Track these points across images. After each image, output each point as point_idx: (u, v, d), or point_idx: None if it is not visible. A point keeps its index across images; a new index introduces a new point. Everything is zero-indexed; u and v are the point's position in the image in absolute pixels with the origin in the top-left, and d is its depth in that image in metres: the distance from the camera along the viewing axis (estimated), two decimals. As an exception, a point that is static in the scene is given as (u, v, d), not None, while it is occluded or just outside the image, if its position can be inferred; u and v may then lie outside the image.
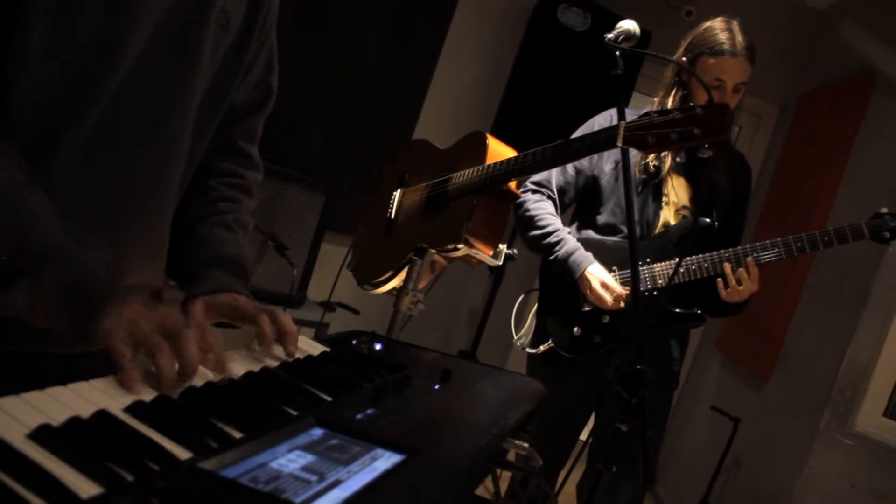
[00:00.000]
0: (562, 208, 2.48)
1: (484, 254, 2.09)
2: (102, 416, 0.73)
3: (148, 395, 0.81)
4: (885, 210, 2.18)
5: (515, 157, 2.05)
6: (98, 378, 0.82)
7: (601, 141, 1.87)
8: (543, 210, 2.42)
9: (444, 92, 4.15)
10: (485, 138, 2.17)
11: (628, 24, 1.91)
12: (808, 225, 3.61)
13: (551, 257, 2.38)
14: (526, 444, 1.00)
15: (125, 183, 1.10)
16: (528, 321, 2.56)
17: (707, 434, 4.19)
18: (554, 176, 2.46)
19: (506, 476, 3.02)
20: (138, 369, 0.85)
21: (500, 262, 2.13)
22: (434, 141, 2.50)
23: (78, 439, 0.67)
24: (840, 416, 3.23)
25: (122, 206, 1.11)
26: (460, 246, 2.05)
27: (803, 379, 3.51)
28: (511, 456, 1.03)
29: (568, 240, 2.38)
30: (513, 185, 2.18)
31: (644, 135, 1.77)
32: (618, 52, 1.89)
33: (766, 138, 4.73)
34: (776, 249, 2.23)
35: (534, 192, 2.46)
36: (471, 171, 2.11)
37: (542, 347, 2.43)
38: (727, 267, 2.23)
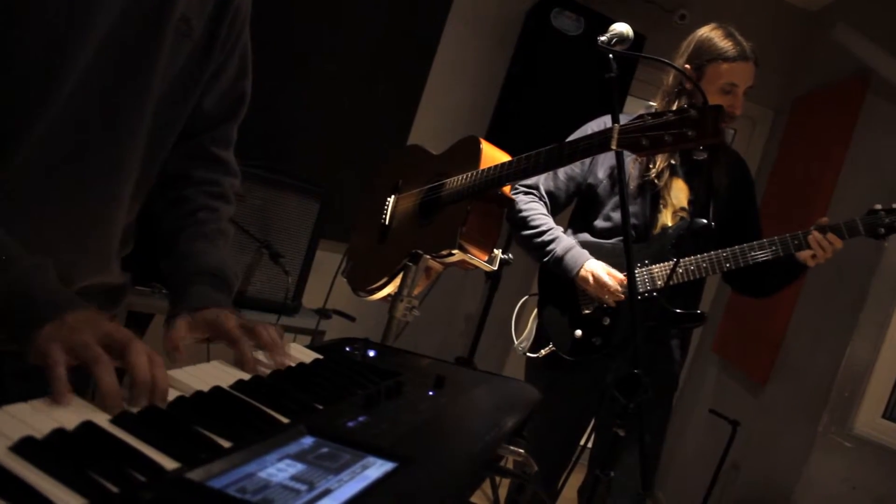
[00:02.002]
0: (552, 213, 2.47)
1: (479, 259, 2.07)
2: (88, 426, 0.71)
3: (136, 406, 0.80)
4: (879, 206, 2.18)
5: (509, 162, 2.04)
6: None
7: (595, 144, 1.87)
8: (536, 210, 2.41)
9: (438, 97, 4.14)
10: (478, 143, 2.16)
11: (621, 28, 1.90)
12: (804, 227, 3.60)
13: (546, 257, 2.37)
14: (522, 451, 0.99)
15: (78, 188, 1.10)
16: (529, 326, 2.54)
17: (705, 438, 4.17)
18: (542, 181, 2.45)
19: (507, 482, 3.00)
20: (69, 384, 0.79)
21: (496, 268, 2.12)
22: (429, 146, 2.49)
23: (62, 451, 0.66)
24: (839, 419, 3.21)
25: (75, 209, 1.10)
26: (455, 251, 2.03)
27: (802, 381, 3.50)
28: (509, 463, 1.02)
29: (563, 238, 2.37)
30: (507, 189, 2.17)
31: (638, 137, 1.76)
32: (611, 55, 1.88)
33: (762, 142, 4.73)
34: (773, 248, 2.22)
35: (525, 193, 2.45)
36: (465, 177, 2.10)
37: (542, 351, 2.42)
38: (813, 239, 2.22)
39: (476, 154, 2.14)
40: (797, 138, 4.31)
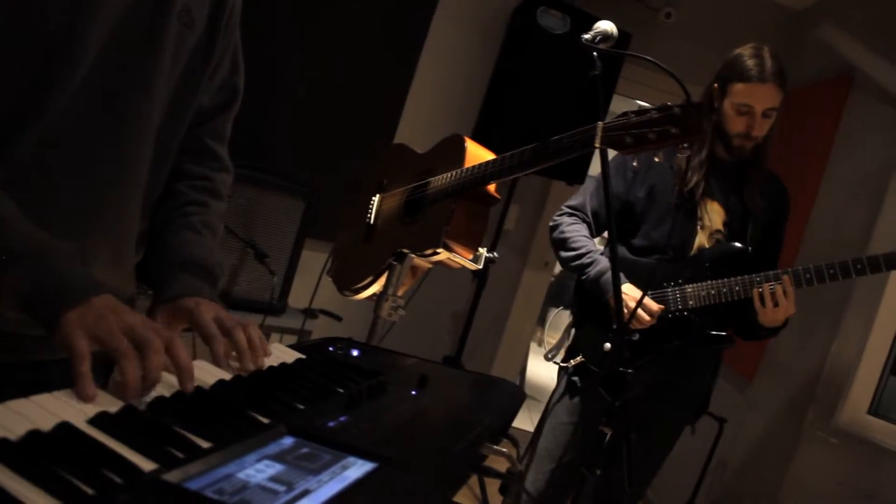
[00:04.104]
0: (597, 231, 2.53)
1: (464, 257, 2.07)
2: (64, 428, 0.71)
3: (114, 406, 0.79)
4: None
5: (494, 160, 2.04)
6: (62, 389, 0.80)
7: (579, 141, 1.86)
8: (577, 232, 2.46)
9: (424, 96, 4.13)
10: (463, 141, 2.16)
11: (605, 25, 1.91)
12: (791, 225, 3.61)
13: (584, 277, 2.42)
14: (505, 450, 0.98)
15: (86, 180, 1.08)
16: (560, 336, 2.61)
17: (692, 435, 4.18)
18: (588, 201, 2.51)
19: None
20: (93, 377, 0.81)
21: (481, 266, 2.12)
22: (415, 145, 2.48)
23: (37, 453, 0.65)
24: (825, 415, 3.23)
25: (83, 204, 1.09)
26: (440, 250, 2.03)
27: (788, 378, 3.51)
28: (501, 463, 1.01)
29: (600, 260, 2.41)
30: (492, 187, 2.16)
31: (622, 135, 1.76)
32: (595, 53, 1.88)
33: (747, 139, 4.74)
34: (808, 276, 2.22)
35: (570, 215, 2.51)
36: (449, 175, 2.10)
37: (572, 362, 2.48)
38: (764, 287, 2.22)
39: (461, 152, 2.13)
40: (782, 136, 4.30)
